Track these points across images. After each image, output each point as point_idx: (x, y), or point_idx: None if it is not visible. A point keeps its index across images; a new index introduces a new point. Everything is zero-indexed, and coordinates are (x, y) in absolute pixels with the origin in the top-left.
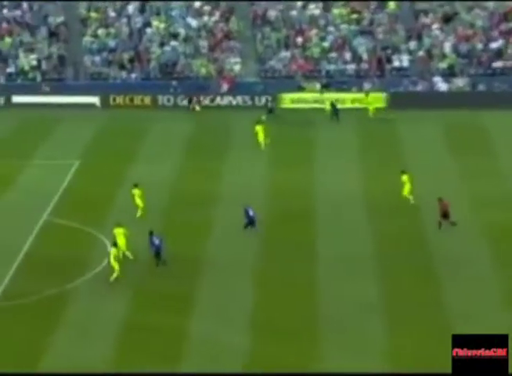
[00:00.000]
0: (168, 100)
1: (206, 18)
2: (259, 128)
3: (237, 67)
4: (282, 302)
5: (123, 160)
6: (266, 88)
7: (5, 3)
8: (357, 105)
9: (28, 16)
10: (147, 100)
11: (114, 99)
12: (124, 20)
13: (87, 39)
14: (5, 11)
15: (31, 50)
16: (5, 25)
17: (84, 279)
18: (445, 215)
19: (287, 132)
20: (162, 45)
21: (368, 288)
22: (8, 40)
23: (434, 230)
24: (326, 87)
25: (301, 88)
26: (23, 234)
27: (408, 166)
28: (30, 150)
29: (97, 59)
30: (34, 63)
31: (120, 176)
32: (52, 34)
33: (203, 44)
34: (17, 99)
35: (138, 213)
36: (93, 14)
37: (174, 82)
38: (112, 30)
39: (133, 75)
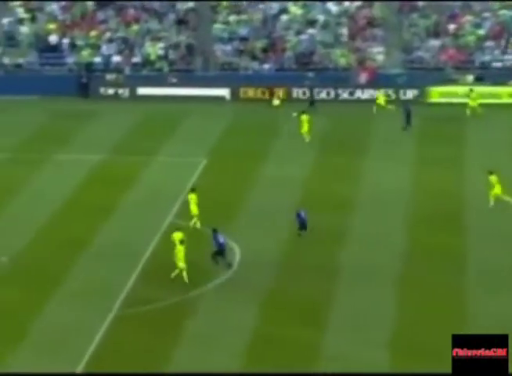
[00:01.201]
0: (304, 93)
1: (347, 3)
2: (304, 119)
3: (380, 57)
4: (425, 316)
5: (253, 158)
6: (411, 81)
7: None
8: None
9: (156, 2)
10: (281, 93)
11: (245, 92)
12: (258, 6)
13: (217, 27)
14: None
15: (158, 38)
16: (132, 11)
17: (210, 286)
18: None
19: (434, 129)
20: (298, 33)
21: None
22: (134, 27)
23: None
24: (479, 80)
25: (451, 81)
26: (147, 236)
27: None
28: (156, 145)
29: (228, 48)
30: (161, 52)
31: (250, 176)
32: (181, 22)
33: (344, 32)
34: (143, 90)
35: (194, 221)
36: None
37: (310, 74)
38: (244, 17)
39: (266, 66)
